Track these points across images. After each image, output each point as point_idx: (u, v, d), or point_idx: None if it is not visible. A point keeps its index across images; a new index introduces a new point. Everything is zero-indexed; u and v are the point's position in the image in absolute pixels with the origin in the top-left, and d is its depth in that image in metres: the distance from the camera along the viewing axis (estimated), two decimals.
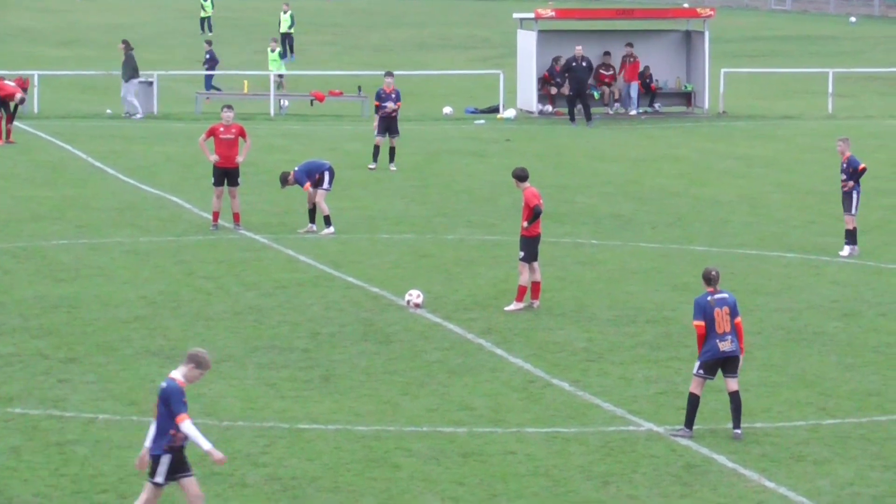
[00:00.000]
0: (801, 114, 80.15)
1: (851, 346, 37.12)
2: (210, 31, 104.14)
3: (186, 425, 23.31)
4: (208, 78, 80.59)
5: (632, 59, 76.06)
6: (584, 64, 76.76)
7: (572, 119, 76.12)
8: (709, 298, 28.47)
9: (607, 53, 79.71)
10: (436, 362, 33.81)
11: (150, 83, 75.63)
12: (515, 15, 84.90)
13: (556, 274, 43.89)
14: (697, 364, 28.34)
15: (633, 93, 75.93)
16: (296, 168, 49.89)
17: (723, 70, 79.00)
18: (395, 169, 60.62)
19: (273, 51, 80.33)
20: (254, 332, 36.95)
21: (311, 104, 75.57)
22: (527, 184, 40.37)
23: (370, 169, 60.33)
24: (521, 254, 39.24)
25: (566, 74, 76.96)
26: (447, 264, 44.08)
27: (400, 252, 46.46)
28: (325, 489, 25.46)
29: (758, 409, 31.03)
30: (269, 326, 37.55)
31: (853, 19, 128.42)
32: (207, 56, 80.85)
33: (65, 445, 27.67)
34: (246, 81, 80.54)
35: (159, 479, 23.62)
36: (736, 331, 28.51)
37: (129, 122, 73.87)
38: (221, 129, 48.47)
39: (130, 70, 71.30)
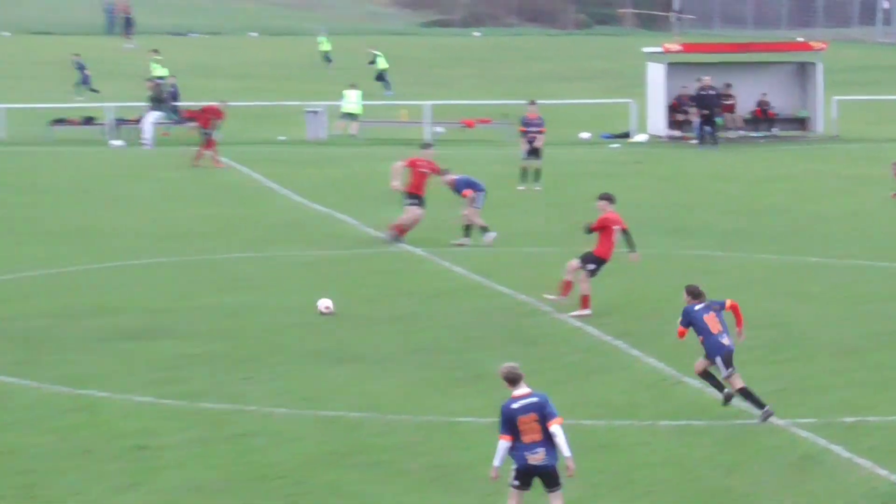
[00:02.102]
0: None
1: None
2: (329, 62, 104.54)
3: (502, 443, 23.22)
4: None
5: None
6: (711, 92, 75.92)
7: (700, 142, 75.63)
8: (696, 307, 29.20)
9: (728, 85, 78.86)
10: (576, 363, 34.09)
11: (317, 112, 76.43)
12: (645, 49, 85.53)
13: (681, 283, 42.65)
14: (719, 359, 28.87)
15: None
16: (456, 176, 50.19)
17: (835, 97, 78.64)
18: (539, 188, 60.37)
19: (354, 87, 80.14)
20: (412, 335, 37.12)
21: (461, 130, 76.17)
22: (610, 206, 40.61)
23: (519, 190, 60.34)
24: (592, 267, 39.37)
25: (695, 102, 76.36)
26: None
27: (543, 263, 45.98)
28: (480, 477, 25.10)
29: (870, 405, 30.64)
30: (425, 330, 37.70)
31: None
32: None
33: (245, 437, 27.97)
34: (403, 111, 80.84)
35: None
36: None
37: (304, 147, 74.09)
38: (421, 162, 48.45)
39: (155, 103, 72.79)
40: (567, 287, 39.10)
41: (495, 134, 78.54)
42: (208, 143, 66.46)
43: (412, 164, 48.54)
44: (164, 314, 38.81)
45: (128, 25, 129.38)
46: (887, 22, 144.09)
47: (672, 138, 77.33)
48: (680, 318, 29.26)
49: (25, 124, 75.93)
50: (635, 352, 35.46)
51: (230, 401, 31.23)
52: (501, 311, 40.33)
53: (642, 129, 78.28)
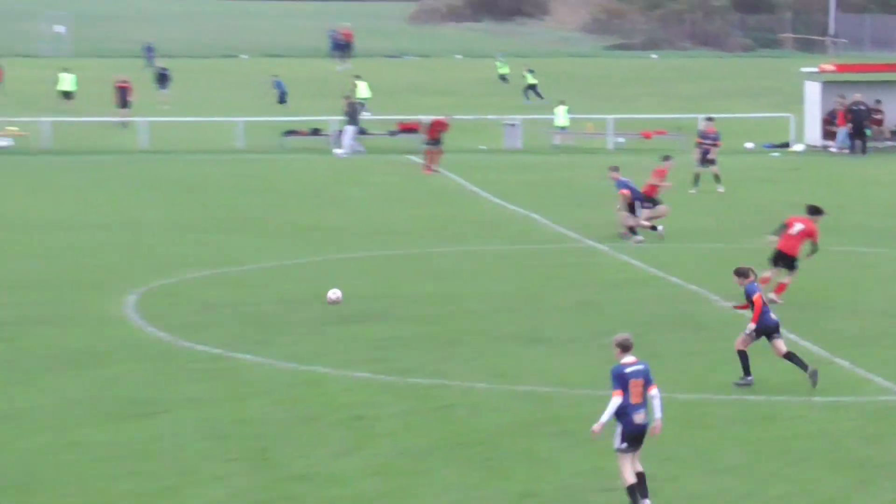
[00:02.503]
0: None
1: None
2: (540, 97, 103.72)
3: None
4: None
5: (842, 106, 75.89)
6: (862, 108, 75.33)
7: (852, 151, 75.01)
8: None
9: (879, 101, 78.05)
10: None
11: (514, 125, 77.20)
12: (803, 69, 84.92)
13: (834, 276, 43.59)
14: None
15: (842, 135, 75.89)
16: (626, 179, 49.76)
17: None
18: (722, 190, 60.17)
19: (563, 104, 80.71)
20: (595, 320, 36.97)
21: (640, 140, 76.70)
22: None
23: (691, 193, 59.37)
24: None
25: (848, 115, 75.65)
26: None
27: (712, 258, 46.09)
28: (649, 441, 24.70)
29: None
30: (606, 315, 37.46)
31: None
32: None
33: (448, 408, 28.39)
34: (590, 124, 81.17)
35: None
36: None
37: (501, 155, 74.76)
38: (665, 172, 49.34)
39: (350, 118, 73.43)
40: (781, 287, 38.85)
41: (670, 144, 77.90)
42: (434, 152, 66.83)
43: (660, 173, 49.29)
44: (378, 301, 39.23)
45: (344, 49, 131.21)
46: None
47: (826, 148, 77.19)
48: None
49: (260, 136, 77.26)
50: (792, 336, 34.37)
51: (435, 377, 31.59)
52: (673, 299, 40.38)
53: (800, 140, 78.45)
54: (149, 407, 28.72)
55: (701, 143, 61.07)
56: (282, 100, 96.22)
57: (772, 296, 38.43)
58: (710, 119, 62.89)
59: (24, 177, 64.55)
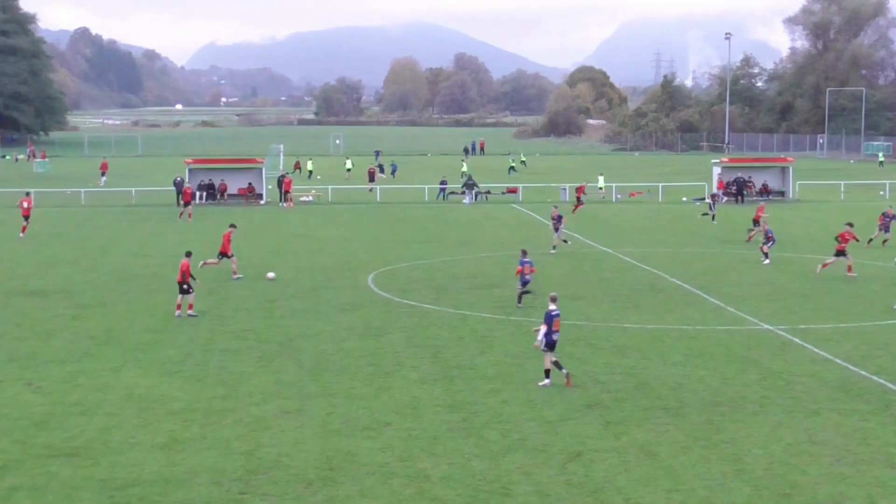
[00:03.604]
0: None
1: None
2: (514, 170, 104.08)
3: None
4: None
5: None
6: (741, 179, 77.17)
7: (736, 202, 74.55)
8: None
9: (750, 176, 79.04)
10: None
11: (565, 188, 77.65)
12: (712, 161, 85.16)
13: (726, 265, 44.68)
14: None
15: None
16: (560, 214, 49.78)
17: None
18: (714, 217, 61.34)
19: None
20: (606, 287, 38.66)
21: None
22: None
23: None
24: None
25: (732, 185, 77.04)
26: None
27: (667, 257, 48.00)
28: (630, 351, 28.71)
29: None
30: (613, 285, 39.22)
31: None
32: None
33: (529, 332, 28.65)
34: (602, 188, 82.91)
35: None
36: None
37: (560, 203, 74.92)
38: None
39: None
40: None
41: (645, 199, 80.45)
42: (577, 205, 68.03)
43: None
44: (497, 277, 40.49)
45: (480, 151, 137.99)
46: None
47: (724, 200, 76.42)
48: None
49: (435, 193, 78.67)
50: (705, 295, 36.55)
51: (523, 315, 32.61)
52: (647, 277, 41.24)
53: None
54: (380, 331, 31.44)
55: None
56: (392, 172, 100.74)
57: (849, 274, 41.27)
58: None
59: (320, 216, 66.97)
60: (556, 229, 49.57)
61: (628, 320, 33.34)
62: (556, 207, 52.00)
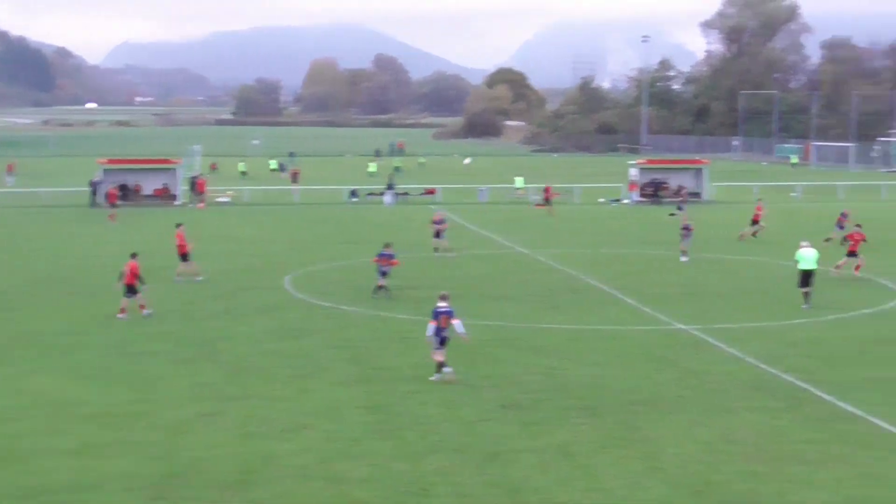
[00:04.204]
0: None
1: None
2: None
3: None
4: None
5: None
6: (657, 181, 78.78)
7: (652, 203, 76.07)
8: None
9: (665, 180, 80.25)
10: None
11: (483, 190, 78.04)
12: (629, 162, 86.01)
13: (642, 266, 45.16)
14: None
15: None
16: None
17: None
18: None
19: None
20: (527, 288, 38.76)
21: None
22: None
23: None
24: None
25: (648, 187, 78.66)
26: None
27: (585, 258, 48.28)
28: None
29: None
30: (533, 286, 39.32)
31: None
32: None
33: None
34: (521, 189, 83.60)
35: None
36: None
37: (480, 205, 74.72)
38: None
39: None
40: None
41: (562, 199, 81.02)
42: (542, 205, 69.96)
43: None
44: (412, 280, 40.46)
45: (399, 152, 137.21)
46: None
47: (640, 202, 78.17)
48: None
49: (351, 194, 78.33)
50: (621, 295, 37.01)
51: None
52: (566, 279, 41.46)
53: (627, 198, 78.64)
54: (299, 333, 31.26)
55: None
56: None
57: (855, 273, 41.47)
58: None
59: (237, 217, 67.02)
60: (438, 234, 49.09)
61: (546, 321, 33.48)
62: (438, 212, 52.18)
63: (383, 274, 37.27)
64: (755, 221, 55.46)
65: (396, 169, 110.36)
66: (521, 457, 20.21)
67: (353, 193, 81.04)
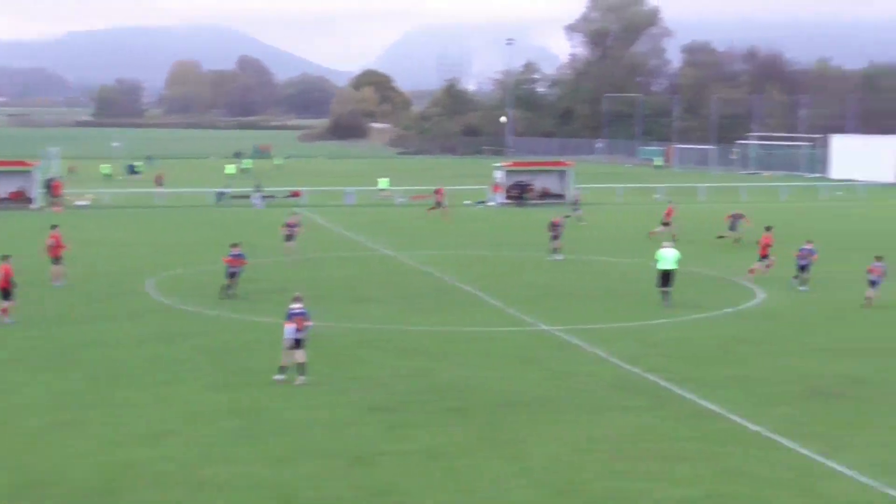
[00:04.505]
0: None
1: None
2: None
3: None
4: None
5: None
6: (522, 183, 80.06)
7: (518, 205, 76.99)
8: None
9: (531, 182, 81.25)
10: None
11: (352, 193, 78.50)
12: (494, 165, 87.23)
13: (507, 268, 45.75)
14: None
15: None
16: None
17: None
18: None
19: None
20: (394, 290, 38.87)
21: None
22: None
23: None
24: None
25: (514, 188, 79.55)
26: None
27: (447, 260, 48.57)
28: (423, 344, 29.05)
29: None
30: (399, 288, 39.51)
31: None
32: None
33: (315, 336, 29.99)
34: (385, 192, 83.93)
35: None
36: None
37: (346, 207, 74.56)
38: None
39: None
40: None
41: (425, 202, 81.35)
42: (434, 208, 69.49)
43: None
44: (275, 282, 40.08)
45: (264, 154, 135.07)
46: None
47: (504, 204, 79.51)
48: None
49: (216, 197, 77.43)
50: (488, 298, 37.96)
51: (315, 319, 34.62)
52: (433, 281, 41.71)
53: (493, 200, 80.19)
54: (163, 338, 30.79)
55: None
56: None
57: (763, 272, 42.25)
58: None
59: (97, 221, 65.82)
60: (290, 237, 48.58)
61: (413, 323, 33.51)
62: (295, 214, 51.80)
63: (232, 275, 37.46)
64: (666, 223, 56.62)
65: (244, 171, 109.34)
66: (387, 459, 20.18)
67: (221, 195, 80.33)
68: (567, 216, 61.69)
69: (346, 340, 30.41)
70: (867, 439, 21.72)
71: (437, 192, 72.12)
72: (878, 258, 38.02)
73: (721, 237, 54.94)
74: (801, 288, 40.72)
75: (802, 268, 40.94)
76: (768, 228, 44.32)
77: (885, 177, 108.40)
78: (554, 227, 49.13)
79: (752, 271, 42.83)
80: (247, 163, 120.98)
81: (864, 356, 29.50)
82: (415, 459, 20.21)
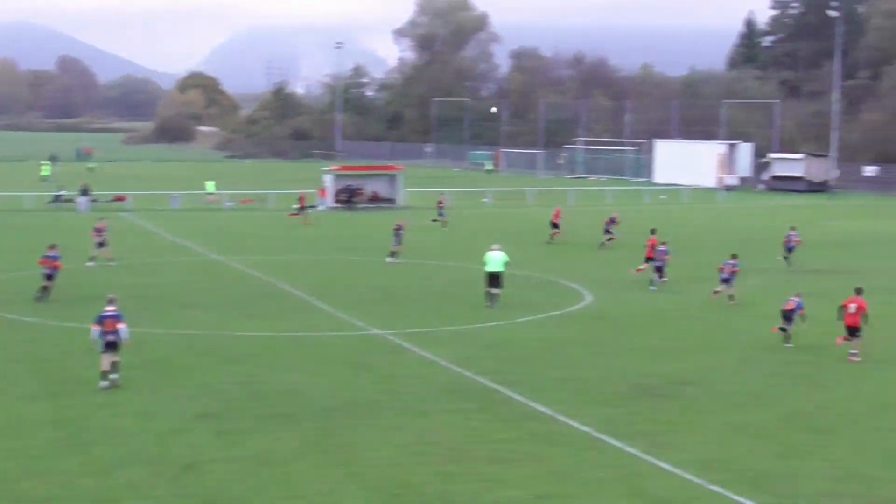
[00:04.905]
0: None
1: None
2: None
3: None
4: None
5: None
6: (352, 187, 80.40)
7: (347, 209, 77.39)
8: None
9: (360, 185, 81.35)
10: None
11: (178, 196, 76.97)
12: (323, 168, 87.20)
13: (335, 271, 47.02)
14: None
15: None
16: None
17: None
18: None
19: None
20: (219, 295, 38.60)
21: None
22: None
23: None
24: None
25: (344, 193, 79.54)
26: None
27: (279, 265, 48.69)
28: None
29: None
30: (224, 293, 39.15)
31: None
32: None
33: (142, 344, 29.14)
34: (212, 196, 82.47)
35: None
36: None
37: (173, 212, 73.70)
38: None
39: None
40: None
41: (257, 206, 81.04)
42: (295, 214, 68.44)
43: None
44: (101, 288, 40.45)
45: (86, 157, 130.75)
46: None
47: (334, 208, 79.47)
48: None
49: (39, 201, 74.79)
50: (317, 302, 38.01)
51: (136, 327, 34.15)
52: (261, 285, 41.48)
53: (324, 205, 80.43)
54: None
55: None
56: None
57: (637, 272, 43.39)
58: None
59: None
60: (101, 243, 47.16)
61: (242, 328, 33.22)
62: (103, 219, 50.70)
63: (48, 276, 36.94)
64: (554, 224, 57.98)
65: (43, 178, 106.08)
66: (217, 467, 19.93)
67: (57, 198, 79.03)
68: (434, 220, 62.26)
69: (174, 347, 29.96)
70: (691, 437, 22.27)
71: (300, 199, 71.55)
72: (734, 256, 39.60)
73: (610, 238, 55.98)
74: (651, 288, 42.13)
75: (658, 269, 42.14)
76: (653, 231, 45.58)
77: (706, 181, 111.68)
78: (398, 230, 49.44)
79: (639, 270, 44.19)
80: (45, 168, 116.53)
81: (688, 356, 30.28)
82: (245, 466, 20.00)
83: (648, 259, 43.63)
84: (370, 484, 19.22)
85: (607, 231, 56.45)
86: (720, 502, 18.59)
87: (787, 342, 31.67)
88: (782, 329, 31.77)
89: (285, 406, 24.12)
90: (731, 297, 38.71)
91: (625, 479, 19.63)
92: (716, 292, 38.95)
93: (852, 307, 29.88)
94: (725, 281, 38.75)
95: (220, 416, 23.26)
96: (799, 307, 31.86)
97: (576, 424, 22.90)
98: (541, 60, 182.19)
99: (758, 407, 24.78)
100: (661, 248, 42.72)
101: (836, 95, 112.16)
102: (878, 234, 67.06)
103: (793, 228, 51.97)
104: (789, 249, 50.45)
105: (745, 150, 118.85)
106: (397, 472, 19.78)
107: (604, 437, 22.04)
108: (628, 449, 21.24)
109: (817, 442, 22.15)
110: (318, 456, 20.66)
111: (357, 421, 23.00)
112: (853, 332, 29.79)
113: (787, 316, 31.76)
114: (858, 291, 30.44)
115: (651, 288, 42.02)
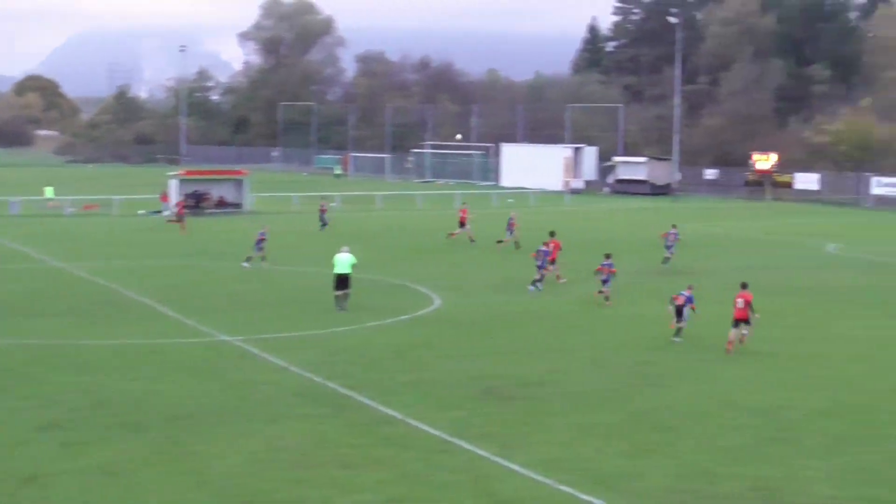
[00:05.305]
0: None
1: None
2: None
3: None
4: None
5: None
6: (198, 192, 79.44)
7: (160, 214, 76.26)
8: None
9: (205, 190, 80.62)
10: None
11: (16, 202, 75.06)
12: (168, 173, 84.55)
13: (189, 276, 47.11)
14: None
15: None
16: None
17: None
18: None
19: None
20: (77, 301, 38.83)
21: None
22: None
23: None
24: None
25: (188, 198, 77.42)
26: None
27: (140, 272, 48.54)
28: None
29: None
30: (79, 300, 39.40)
31: None
32: None
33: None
34: (53, 201, 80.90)
35: None
36: None
37: (11, 217, 71.98)
38: None
39: None
40: None
41: (102, 212, 79.32)
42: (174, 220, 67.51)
43: None
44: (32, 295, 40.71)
45: None
46: None
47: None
48: None
49: None
50: (166, 310, 38.16)
51: None
52: (104, 292, 40.82)
53: (145, 208, 79.16)
54: None
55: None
56: None
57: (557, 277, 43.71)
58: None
59: None
60: None
61: (86, 336, 32.59)
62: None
63: None
64: (462, 224, 59.12)
65: None
66: (60, 479, 19.51)
67: None
68: (324, 224, 62.17)
69: (15, 357, 29.26)
70: (539, 438, 22.57)
71: (178, 204, 70.86)
72: (607, 256, 40.46)
73: (500, 241, 56.87)
74: (529, 287, 42.70)
75: (539, 268, 42.98)
76: (552, 234, 46.39)
77: (552, 185, 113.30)
78: (260, 240, 49.12)
79: (558, 276, 44.59)
80: None
81: (539, 358, 30.65)
82: (90, 477, 19.64)
83: (552, 262, 44.20)
84: (220, 492, 19.05)
85: (510, 230, 57.50)
86: (569, 502, 18.87)
87: (678, 336, 32.49)
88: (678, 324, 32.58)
89: (132, 415, 23.75)
90: (606, 298, 39.58)
91: (476, 481, 19.79)
92: (600, 292, 39.76)
93: (740, 302, 30.90)
94: (605, 282, 39.69)
95: (64, 427, 22.80)
96: (689, 301, 32.61)
97: (427, 428, 23.03)
98: (387, 64, 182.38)
99: (607, 407, 25.21)
100: (543, 248, 43.56)
101: (677, 100, 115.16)
102: (717, 235, 68.74)
103: (674, 226, 53.50)
104: (668, 247, 51.83)
105: (591, 154, 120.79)
106: (247, 480, 19.64)
107: (455, 439, 22.20)
108: (479, 451, 21.41)
109: (663, 440, 22.61)
110: (166, 465, 20.40)
111: (206, 428, 22.77)
112: (743, 323, 30.84)
113: (678, 311, 32.49)
114: (744, 286, 31.50)
115: (530, 288, 42.69)
